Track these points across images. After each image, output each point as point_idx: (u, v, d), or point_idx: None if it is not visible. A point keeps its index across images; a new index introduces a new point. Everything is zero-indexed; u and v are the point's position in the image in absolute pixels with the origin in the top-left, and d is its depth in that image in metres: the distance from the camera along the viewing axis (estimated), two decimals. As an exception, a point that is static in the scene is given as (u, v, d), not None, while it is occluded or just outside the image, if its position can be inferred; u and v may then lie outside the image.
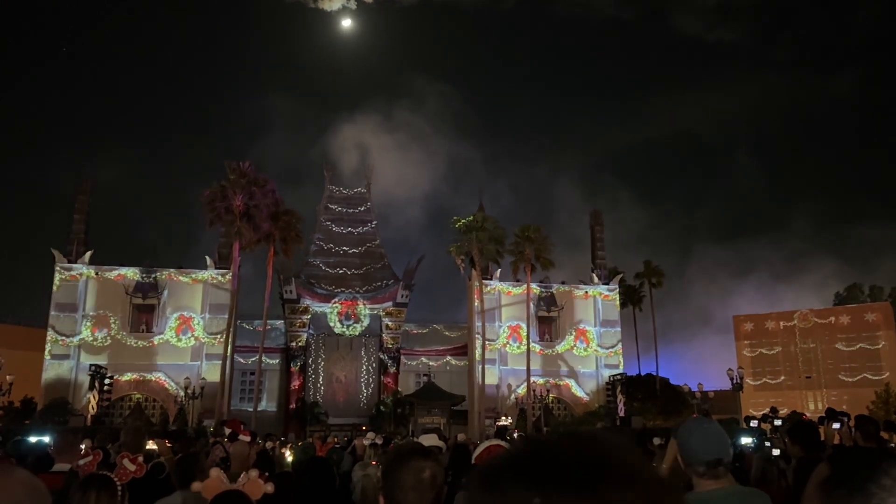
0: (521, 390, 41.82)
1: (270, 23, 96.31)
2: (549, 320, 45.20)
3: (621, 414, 39.69)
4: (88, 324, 39.30)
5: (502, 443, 3.57)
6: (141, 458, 4.03)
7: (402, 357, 45.71)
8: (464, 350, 45.86)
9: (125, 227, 69.65)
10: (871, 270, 68.41)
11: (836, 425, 8.18)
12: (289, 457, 14.15)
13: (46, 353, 38.28)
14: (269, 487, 4.01)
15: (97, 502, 3.23)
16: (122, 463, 3.76)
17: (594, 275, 46.89)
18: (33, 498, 1.12)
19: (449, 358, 47.01)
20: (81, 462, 4.22)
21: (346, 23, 79.24)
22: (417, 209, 62.01)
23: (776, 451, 7.12)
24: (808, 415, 33.30)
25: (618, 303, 47.12)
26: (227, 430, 7.59)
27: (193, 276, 41.51)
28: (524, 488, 0.68)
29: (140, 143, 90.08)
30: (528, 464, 0.70)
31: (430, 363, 46.43)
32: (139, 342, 39.77)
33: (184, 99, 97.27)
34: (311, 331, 45.04)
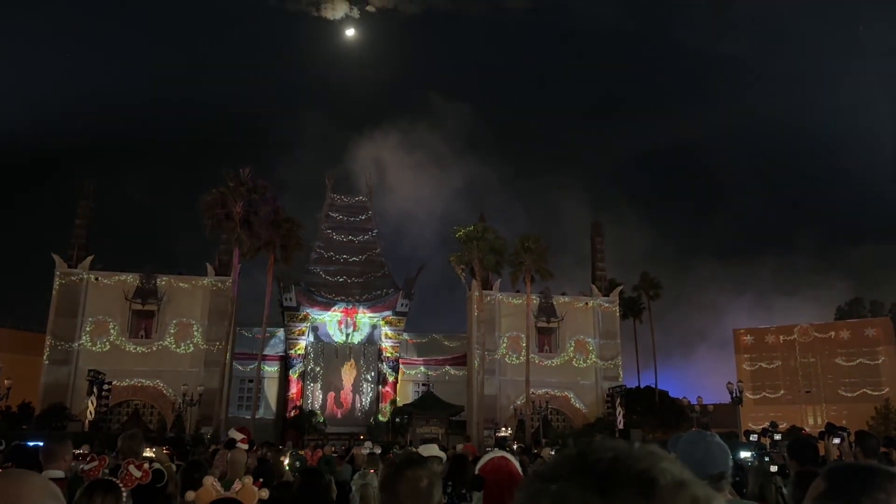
0: (521, 401, 41.73)
1: (282, 40, 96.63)
2: (548, 331, 45.16)
3: (620, 426, 39.57)
4: (88, 329, 39.28)
5: (507, 455, 3.58)
6: (147, 465, 4.03)
7: (401, 366, 45.65)
8: (463, 360, 45.79)
9: (127, 233, 69.66)
10: (873, 285, 68.29)
11: (837, 440, 8.19)
12: (286, 465, 14.13)
13: (45, 357, 38.23)
14: (264, 494, 4.01)
15: (101, 508, 3.23)
16: (127, 469, 3.76)
17: (594, 286, 46.91)
18: (52, 502, 1.14)
19: (448, 368, 46.94)
20: (86, 467, 4.22)
21: (350, 32, 79.68)
22: (427, 222, 61.75)
23: (774, 468, 7.11)
24: (807, 429, 33.26)
25: (618, 315, 47.13)
26: (241, 437, 7.57)
27: (193, 282, 41.53)
28: (585, 491, 0.72)
29: (147, 152, 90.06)
30: (585, 469, 0.74)
31: (429, 373, 46.38)
32: (138, 348, 39.74)
33: (196, 109, 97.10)
34: (310, 339, 45.01)
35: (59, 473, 4.46)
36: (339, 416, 43.86)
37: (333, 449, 19.77)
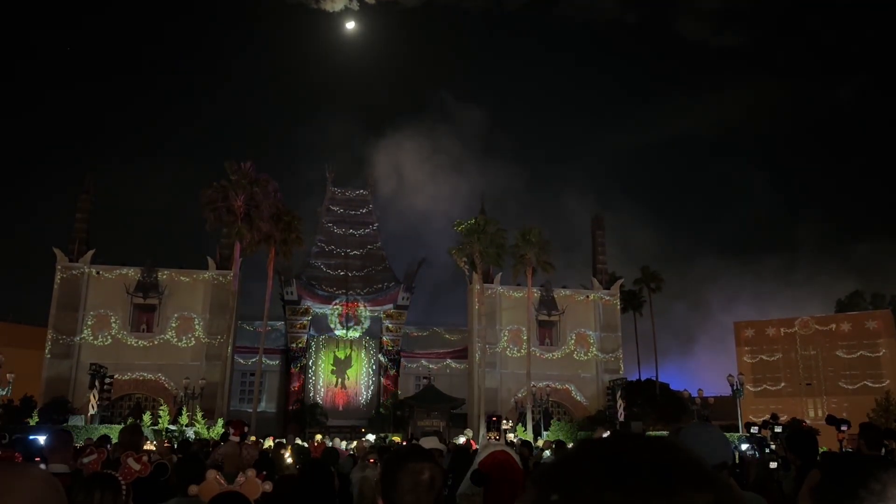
0: (521, 394, 41.80)
1: (284, 35, 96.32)
2: (549, 324, 45.18)
3: (621, 419, 39.64)
4: (89, 323, 39.32)
5: (507, 448, 3.57)
6: (146, 458, 4.04)
7: (402, 359, 45.72)
8: (464, 353, 45.84)
9: (127, 227, 69.68)
10: (873, 278, 68.27)
11: (844, 427, 8.29)
12: (288, 458, 14.15)
13: (47, 351, 38.28)
14: (267, 487, 4.01)
15: (101, 501, 3.24)
16: (126, 462, 3.77)
17: (595, 279, 46.92)
18: (52, 495, 1.13)
19: (449, 361, 46.99)
20: (85, 460, 4.22)
21: (350, 25, 79.30)
22: (433, 217, 61.50)
23: (773, 465, 7.12)
24: (807, 422, 33.27)
25: (618, 308, 47.13)
26: (232, 430, 7.60)
27: (194, 276, 41.53)
28: (604, 489, 0.68)
29: (147, 147, 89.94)
30: (603, 464, 0.70)
31: (430, 366, 46.42)
32: (139, 342, 39.78)
33: (201, 105, 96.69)
34: (311, 332, 45.06)
35: (64, 468, 4.47)
36: (340, 409, 43.97)
37: (329, 441, 19.80)
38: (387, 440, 16.17)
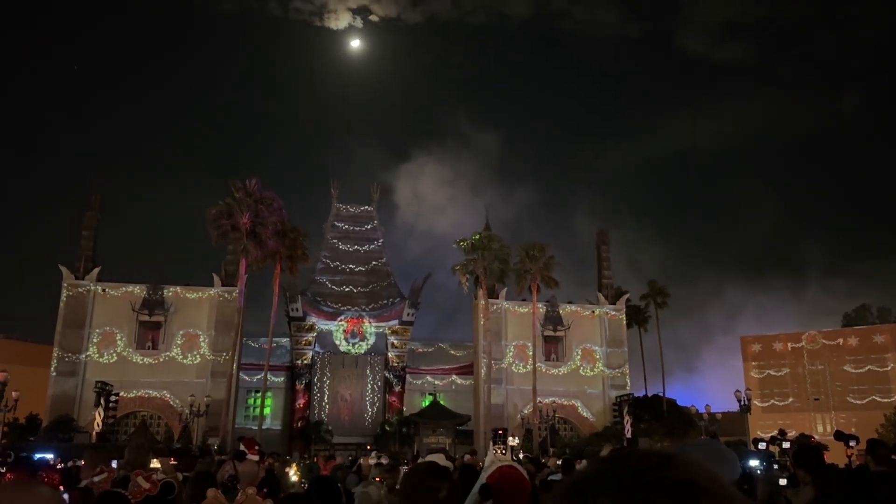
0: (527, 410, 41.56)
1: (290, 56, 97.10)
2: (555, 340, 45.01)
3: (628, 435, 39.34)
4: (95, 340, 39.37)
5: (515, 464, 3.57)
6: (155, 476, 4.05)
7: (407, 376, 45.57)
8: (470, 369, 45.66)
9: (134, 244, 69.93)
10: (879, 292, 67.90)
11: (853, 442, 8.27)
12: (293, 476, 14.09)
13: (52, 369, 38.31)
14: (268, 504, 4.01)
15: (111, 520, 3.25)
16: (136, 480, 3.78)
17: (600, 294, 46.78)
18: None
19: (455, 377, 46.83)
20: (96, 479, 4.23)
21: (356, 43, 79.98)
22: (441, 235, 61.52)
23: (783, 481, 7.08)
24: (816, 437, 32.97)
25: (624, 323, 46.92)
26: (251, 449, 7.60)
27: (200, 293, 41.59)
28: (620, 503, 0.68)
29: (154, 165, 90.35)
30: (623, 480, 0.70)
31: (436, 382, 46.26)
32: (145, 359, 39.78)
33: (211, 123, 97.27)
34: (316, 349, 45.00)
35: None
36: (345, 425, 43.79)
37: (341, 459, 19.73)
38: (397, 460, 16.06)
